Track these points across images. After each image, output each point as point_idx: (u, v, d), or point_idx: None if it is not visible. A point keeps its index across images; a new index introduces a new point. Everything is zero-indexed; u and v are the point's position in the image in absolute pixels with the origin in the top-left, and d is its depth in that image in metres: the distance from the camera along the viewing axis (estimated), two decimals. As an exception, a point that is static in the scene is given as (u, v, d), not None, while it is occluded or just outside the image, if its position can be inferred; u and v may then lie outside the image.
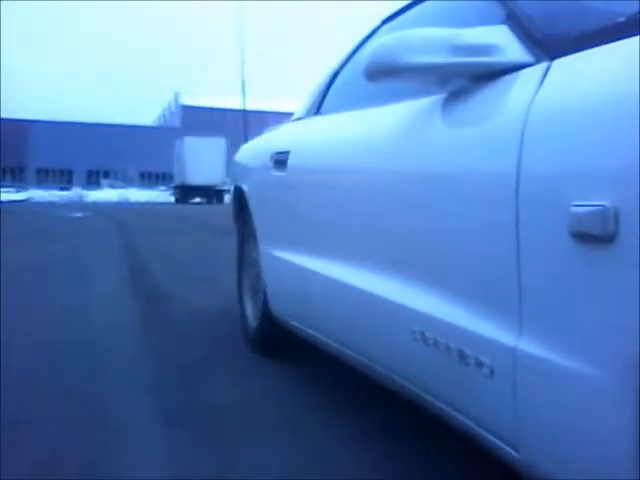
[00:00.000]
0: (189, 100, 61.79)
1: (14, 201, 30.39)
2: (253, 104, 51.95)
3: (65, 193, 39.78)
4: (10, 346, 2.71)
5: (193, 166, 31.91)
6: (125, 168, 54.76)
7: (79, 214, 16.56)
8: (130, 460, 1.70)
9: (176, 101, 64.48)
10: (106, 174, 54.68)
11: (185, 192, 32.18)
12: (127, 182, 50.79)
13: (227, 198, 30.30)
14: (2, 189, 36.30)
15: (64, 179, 53.62)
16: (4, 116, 50.78)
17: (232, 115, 58.29)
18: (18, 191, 39.27)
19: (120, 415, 2.01)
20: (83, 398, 2.14)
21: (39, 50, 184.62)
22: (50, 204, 27.38)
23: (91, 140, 55.06)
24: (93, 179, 53.70)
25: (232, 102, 58.42)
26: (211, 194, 31.61)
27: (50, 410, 2.04)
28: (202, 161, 31.93)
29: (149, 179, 54.01)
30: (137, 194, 39.66)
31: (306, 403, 2.14)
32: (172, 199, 34.91)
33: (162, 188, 43.70)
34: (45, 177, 53.49)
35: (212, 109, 59.87)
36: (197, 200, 31.81)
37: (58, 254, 6.59)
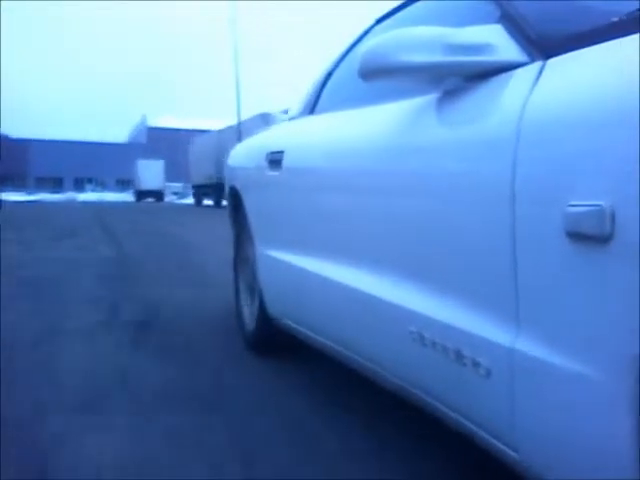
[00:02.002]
0: (154, 122, 72.32)
1: (31, 201, 35.26)
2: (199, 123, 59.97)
3: (63, 195, 47.25)
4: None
5: (144, 178, 44.36)
6: (103, 176, 65.22)
7: (78, 205, 28.55)
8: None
9: (143, 122, 74.21)
10: (89, 180, 64.25)
11: (141, 194, 44.20)
12: (104, 187, 60.65)
13: (167, 198, 45.95)
14: (17, 193, 44.50)
15: (57, 185, 62.91)
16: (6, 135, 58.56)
17: (188, 135, 68.25)
18: (29, 194, 47.12)
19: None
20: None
21: (36, 73, 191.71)
22: (56, 202, 34.06)
23: (77, 154, 64.65)
24: (79, 185, 63.08)
25: (190, 123, 68.74)
26: (157, 195, 44.01)
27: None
28: (149, 175, 44.46)
29: (122, 184, 62.70)
30: (111, 196, 48.99)
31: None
32: (133, 199, 45.43)
33: (131, 192, 50.94)
34: (42, 184, 62.44)
35: (172, 129, 69.60)
36: (149, 200, 42.58)
37: (83, 212, 22.49)
